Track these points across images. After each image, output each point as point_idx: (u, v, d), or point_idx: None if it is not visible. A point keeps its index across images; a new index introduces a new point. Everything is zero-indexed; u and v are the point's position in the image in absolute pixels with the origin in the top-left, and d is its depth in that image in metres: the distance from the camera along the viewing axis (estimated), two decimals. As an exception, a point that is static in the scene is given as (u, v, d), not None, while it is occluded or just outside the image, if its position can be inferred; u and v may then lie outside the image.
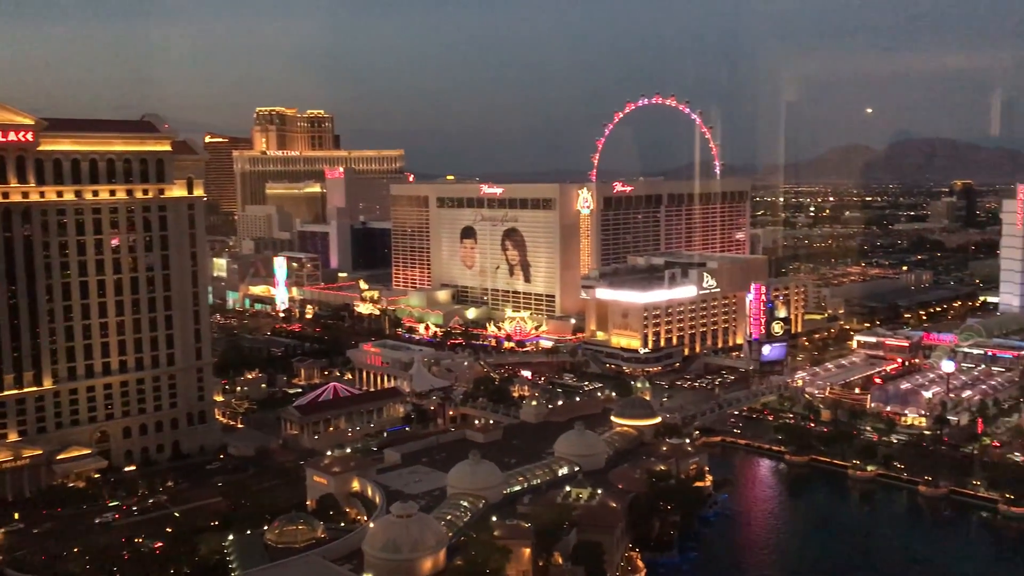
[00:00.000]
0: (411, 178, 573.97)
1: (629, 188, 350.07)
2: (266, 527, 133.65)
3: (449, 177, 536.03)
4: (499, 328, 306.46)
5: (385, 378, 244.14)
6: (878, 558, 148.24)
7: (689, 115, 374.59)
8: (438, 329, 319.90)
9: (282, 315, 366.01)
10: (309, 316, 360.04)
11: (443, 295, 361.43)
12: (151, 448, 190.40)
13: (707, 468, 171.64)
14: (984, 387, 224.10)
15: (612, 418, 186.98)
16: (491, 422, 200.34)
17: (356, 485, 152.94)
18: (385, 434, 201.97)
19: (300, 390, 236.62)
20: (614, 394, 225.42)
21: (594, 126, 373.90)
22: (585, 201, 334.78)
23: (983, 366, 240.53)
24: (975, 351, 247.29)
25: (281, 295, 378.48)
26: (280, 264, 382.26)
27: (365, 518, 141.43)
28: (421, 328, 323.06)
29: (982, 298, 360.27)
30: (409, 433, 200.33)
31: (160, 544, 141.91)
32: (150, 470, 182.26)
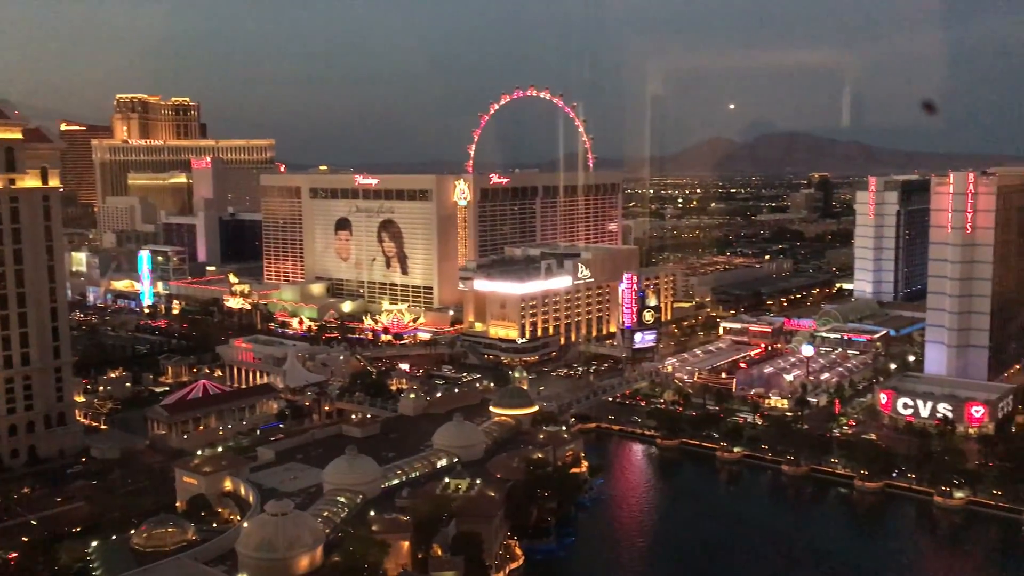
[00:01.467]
0: (283, 168, 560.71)
1: (505, 180, 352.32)
2: (132, 531, 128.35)
3: (322, 168, 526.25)
4: (376, 321, 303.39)
5: (257, 374, 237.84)
6: (746, 536, 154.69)
7: (563, 108, 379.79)
8: (312, 323, 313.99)
9: (147, 311, 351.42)
10: (176, 312, 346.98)
11: (317, 288, 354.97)
12: (4, 454, 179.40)
13: (583, 454, 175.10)
14: (841, 370, 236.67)
15: (491, 408, 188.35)
16: (368, 416, 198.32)
17: (228, 485, 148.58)
18: (258, 432, 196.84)
19: (167, 389, 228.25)
20: (492, 384, 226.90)
21: (471, 117, 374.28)
22: (462, 192, 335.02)
23: (839, 350, 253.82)
24: (832, 335, 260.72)
25: (146, 290, 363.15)
26: (144, 258, 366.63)
27: (238, 518, 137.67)
28: (295, 322, 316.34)
29: (838, 285, 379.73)
30: (283, 430, 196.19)
31: (15, 555, 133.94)
32: (3, 477, 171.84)
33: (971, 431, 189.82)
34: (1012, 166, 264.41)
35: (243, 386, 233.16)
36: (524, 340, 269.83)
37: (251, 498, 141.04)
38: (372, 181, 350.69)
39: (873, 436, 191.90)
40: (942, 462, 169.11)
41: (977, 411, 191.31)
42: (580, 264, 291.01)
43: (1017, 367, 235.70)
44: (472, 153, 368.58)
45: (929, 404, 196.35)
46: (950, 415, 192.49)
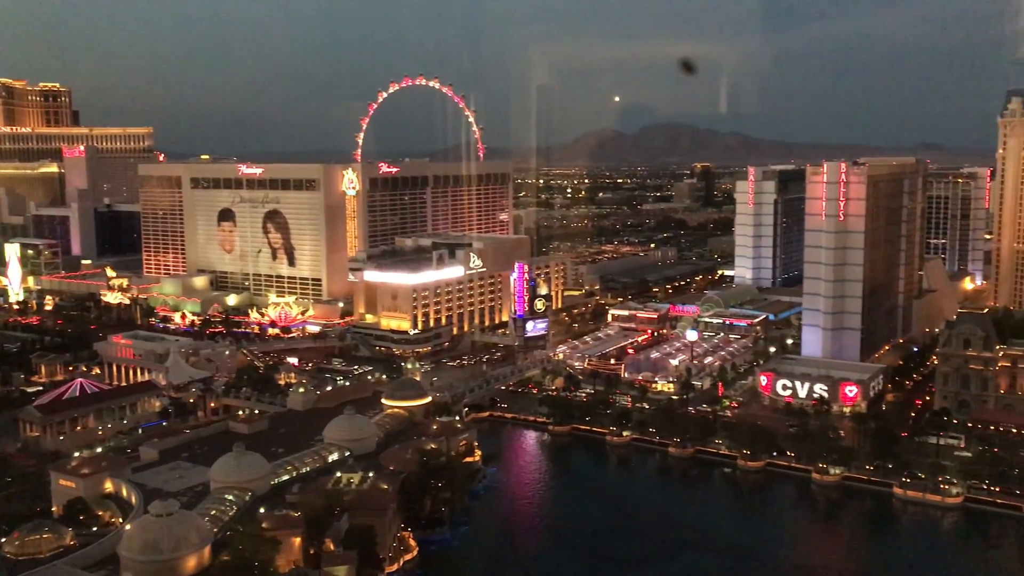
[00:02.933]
0: (162, 158, 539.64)
1: (395, 169, 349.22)
2: (4, 539, 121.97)
3: (204, 157, 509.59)
4: (263, 314, 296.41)
5: (138, 371, 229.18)
6: (635, 517, 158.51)
7: (452, 98, 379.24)
8: (196, 317, 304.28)
9: (16, 307, 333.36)
10: (49, 308, 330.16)
11: (200, 281, 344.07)
12: None
13: (476, 443, 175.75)
14: (723, 353, 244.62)
15: (383, 401, 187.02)
16: (256, 412, 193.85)
17: (109, 486, 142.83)
18: (140, 431, 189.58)
19: (40, 388, 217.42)
20: (384, 377, 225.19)
21: (359, 106, 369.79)
22: (351, 182, 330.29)
23: (722, 334, 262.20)
24: (715, 320, 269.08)
25: (15, 286, 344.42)
26: (12, 252, 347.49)
27: (120, 520, 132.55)
28: (177, 317, 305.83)
29: (720, 272, 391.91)
30: (167, 428, 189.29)
31: None
32: None
33: (845, 410, 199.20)
34: (881, 156, 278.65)
35: (123, 384, 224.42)
36: (416, 331, 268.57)
37: (134, 499, 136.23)
38: (257, 170, 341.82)
39: (754, 417, 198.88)
40: (819, 440, 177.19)
41: (850, 391, 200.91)
42: (472, 254, 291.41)
43: (887, 348, 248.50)
44: (360, 142, 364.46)
45: (806, 385, 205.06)
46: (826, 395, 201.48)
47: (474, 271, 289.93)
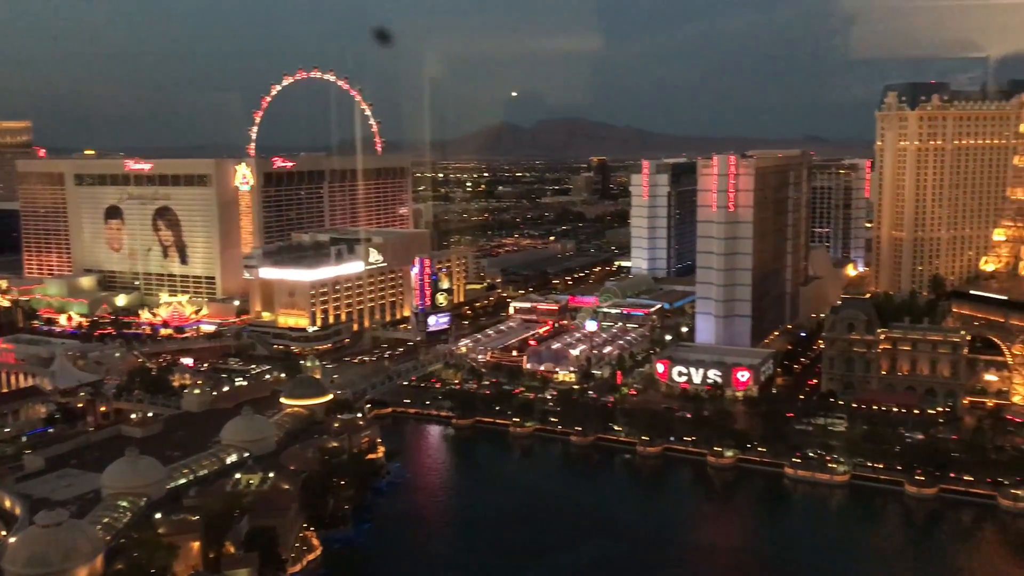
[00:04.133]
0: (42, 153, 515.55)
1: (291, 163, 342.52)
2: None
3: (89, 152, 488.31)
4: (154, 315, 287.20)
5: (21, 377, 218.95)
6: (539, 506, 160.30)
7: (349, 91, 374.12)
8: (83, 319, 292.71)
9: None
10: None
11: (87, 282, 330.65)
12: None
13: (379, 440, 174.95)
14: (621, 342, 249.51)
15: (282, 399, 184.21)
16: (150, 415, 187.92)
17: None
18: (24, 438, 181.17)
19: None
20: (283, 375, 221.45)
21: (252, 99, 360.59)
22: (244, 177, 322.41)
23: (620, 324, 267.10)
24: (613, 311, 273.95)
25: None
26: None
27: (4, 533, 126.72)
28: (63, 319, 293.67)
29: (618, 263, 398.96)
30: (53, 435, 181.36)
31: None
32: None
33: (738, 394, 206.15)
34: (768, 148, 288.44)
35: (4, 390, 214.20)
36: (315, 328, 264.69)
37: (18, 510, 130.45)
38: (145, 166, 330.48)
39: (652, 403, 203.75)
40: (713, 424, 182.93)
41: (743, 375, 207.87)
42: (371, 249, 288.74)
43: (776, 333, 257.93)
44: (254, 136, 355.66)
45: (701, 371, 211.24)
46: (719, 380, 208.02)
47: (374, 266, 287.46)
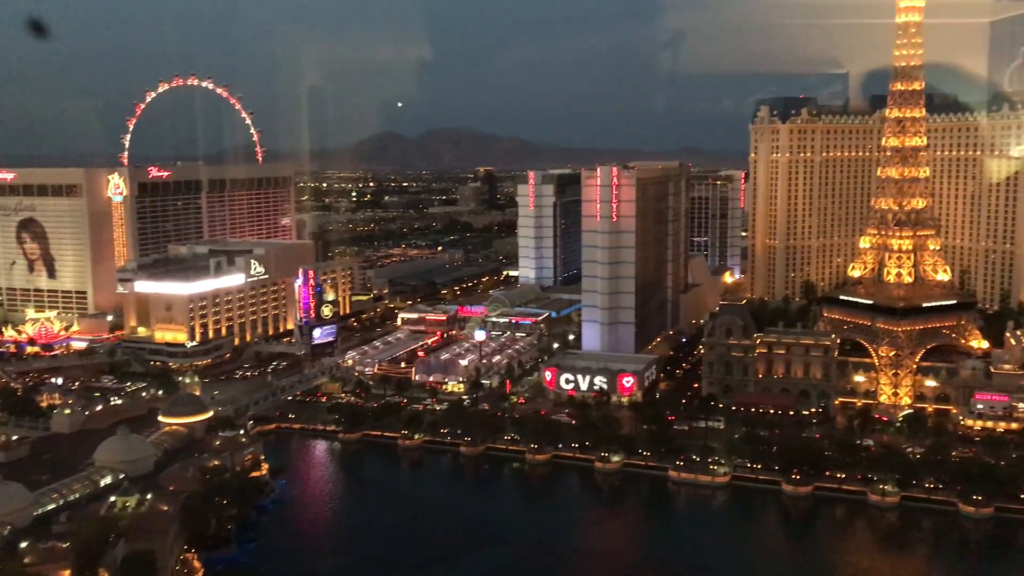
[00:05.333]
0: None
1: (166, 173, 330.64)
2: None
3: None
4: (19, 332, 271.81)
5: None
6: (429, 519, 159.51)
7: (228, 98, 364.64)
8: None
9: None
10: None
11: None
12: None
13: (263, 457, 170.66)
14: (510, 351, 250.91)
15: (160, 418, 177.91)
16: (15, 438, 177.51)
17: None
18: None
19: None
20: (161, 392, 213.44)
21: (125, 106, 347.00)
22: (116, 187, 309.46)
23: (508, 333, 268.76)
24: (501, 320, 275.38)
25: None
26: None
27: None
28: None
29: (505, 272, 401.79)
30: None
31: None
32: None
33: (623, 400, 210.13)
34: (648, 160, 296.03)
35: None
36: (194, 343, 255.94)
37: None
38: (8, 175, 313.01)
39: (542, 411, 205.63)
40: (600, 430, 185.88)
41: (627, 381, 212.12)
42: (253, 260, 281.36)
43: (658, 339, 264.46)
44: (127, 144, 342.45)
45: (587, 378, 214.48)
46: (605, 387, 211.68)
47: (256, 278, 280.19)
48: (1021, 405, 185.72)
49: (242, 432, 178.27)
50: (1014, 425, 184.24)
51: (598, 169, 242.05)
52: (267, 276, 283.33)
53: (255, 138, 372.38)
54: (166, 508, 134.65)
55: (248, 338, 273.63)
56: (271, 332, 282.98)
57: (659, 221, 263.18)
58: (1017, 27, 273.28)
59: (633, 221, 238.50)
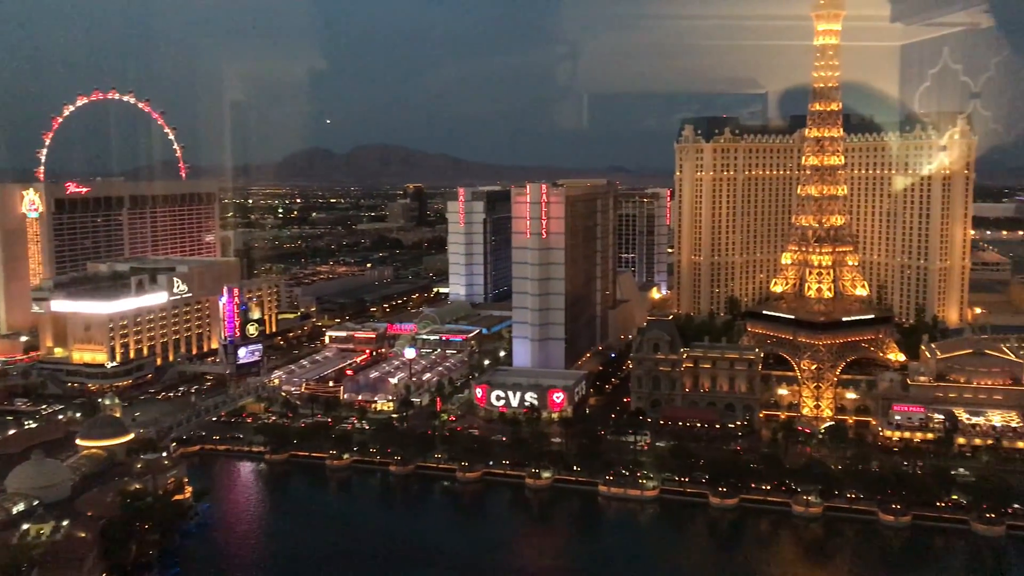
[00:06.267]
0: None
1: (85, 189, 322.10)
2: None
3: None
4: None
5: None
6: (358, 540, 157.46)
7: (150, 113, 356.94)
8: None
9: None
10: None
11: None
12: None
13: (186, 479, 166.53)
14: (441, 369, 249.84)
15: (78, 441, 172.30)
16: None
17: None
18: None
19: None
20: (79, 415, 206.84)
21: (42, 120, 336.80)
22: (32, 203, 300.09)
23: (439, 350, 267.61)
24: (432, 337, 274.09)
25: None
26: None
27: None
28: None
29: (436, 289, 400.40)
30: None
31: None
32: None
33: (554, 416, 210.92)
34: (576, 178, 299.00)
35: None
36: (115, 363, 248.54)
37: None
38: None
39: (473, 430, 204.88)
40: (531, 446, 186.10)
41: (558, 397, 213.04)
42: (176, 279, 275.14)
43: (588, 355, 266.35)
44: (43, 159, 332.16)
45: (518, 394, 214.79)
46: (536, 403, 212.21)
47: (179, 297, 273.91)
48: (936, 416, 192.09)
49: (164, 454, 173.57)
50: (930, 435, 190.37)
51: (528, 186, 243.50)
52: (191, 294, 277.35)
53: (178, 153, 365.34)
54: (83, 535, 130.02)
55: (171, 358, 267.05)
56: (195, 351, 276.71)
57: (588, 238, 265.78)
58: (926, 51, 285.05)
59: (562, 238, 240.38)
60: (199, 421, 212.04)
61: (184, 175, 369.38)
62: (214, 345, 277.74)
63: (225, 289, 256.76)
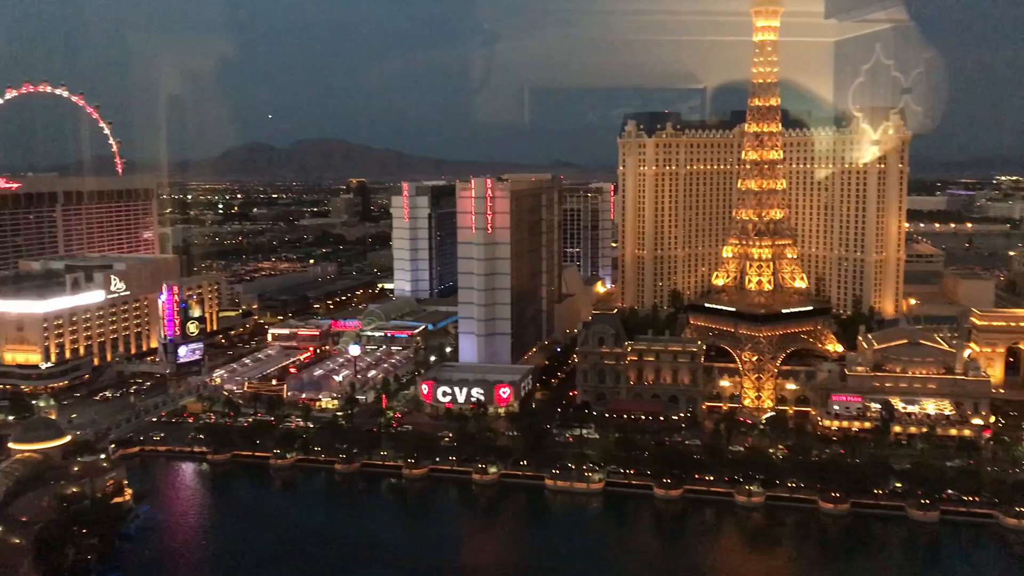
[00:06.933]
0: None
1: (16, 185, 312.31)
2: None
3: None
4: None
5: None
6: (303, 540, 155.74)
7: (84, 107, 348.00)
8: None
9: None
10: None
11: None
12: None
13: (126, 482, 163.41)
14: (386, 366, 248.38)
15: (10, 445, 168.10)
16: None
17: None
18: None
19: None
20: (11, 418, 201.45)
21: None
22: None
23: (384, 347, 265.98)
24: (377, 334, 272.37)
25: None
26: None
27: None
28: None
29: (380, 285, 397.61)
30: None
31: None
32: None
33: (500, 411, 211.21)
34: (521, 172, 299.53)
35: None
36: (50, 364, 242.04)
37: None
38: None
39: (426, 427, 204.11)
40: (477, 442, 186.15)
41: (504, 392, 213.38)
42: (113, 277, 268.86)
43: (534, 349, 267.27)
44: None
45: (464, 390, 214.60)
46: (483, 398, 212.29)
47: (116, 295, 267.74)
48: (874, 405, 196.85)
49: (103, 456, 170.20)
50: (867, 424, 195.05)
51: (472, 181, 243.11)
52: (128, 292, 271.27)
53: (114, 149, 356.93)
54: (18, 541, 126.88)
55: (109, 358, 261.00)
56: (133, 351, 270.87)
57: (533, 233, 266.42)
58: (859, 47, 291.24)
59: (508, 233, 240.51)
60: (139, 422, 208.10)
61: (121, 171, 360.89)
62: (154, 344, 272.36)
63: (164, 287, 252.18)
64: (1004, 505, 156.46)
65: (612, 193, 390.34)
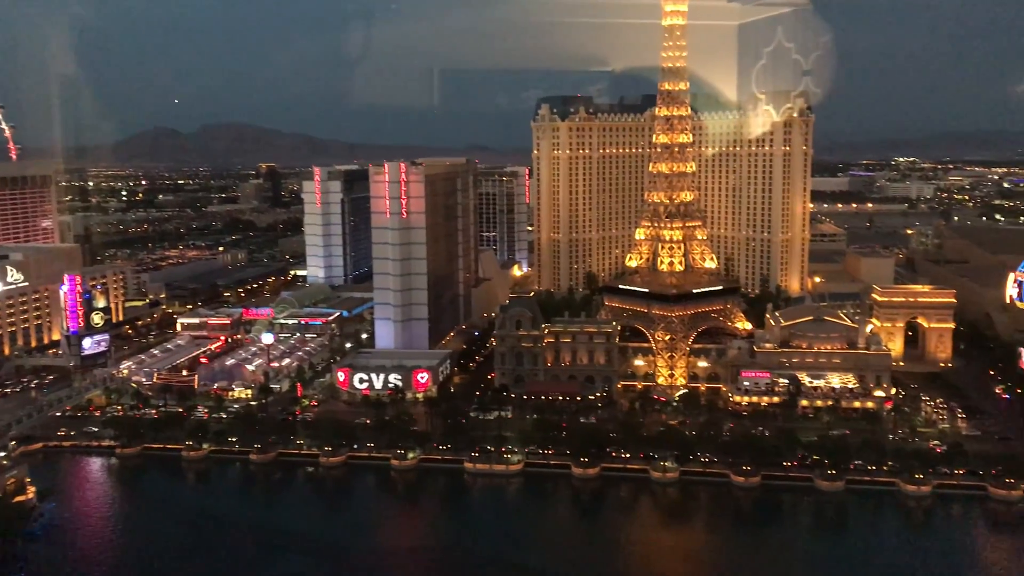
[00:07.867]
0: None
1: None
2: None
3: None
4: None
5: None
6: (218, 532, 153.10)
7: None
8: None
9: None
10: None
11: None
12: None
13: (28, 479, 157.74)
14: (300, 353, 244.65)
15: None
16: None
17: None
18: None
19: None
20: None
21: None
22: None
23: (298, 334, 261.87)
24: (290, 321, 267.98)
25: None
26: None
27: None
28: None
29: (293, 272, 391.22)
30: None
31: None
32: None
33: (419, 396, 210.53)
34: (436, 156, 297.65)
35: None
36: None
37: None
38: None
39: (337, 412, 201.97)
40: (395, 428, 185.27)
41: (422, 377, 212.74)
42: (10, 267, 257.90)
43: (452, 334, 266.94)
44: None
45: (382, 376, 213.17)
46: (400, 384, 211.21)
47: (14, 286, 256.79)
48: (781, 380, 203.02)
49: (3, 454, 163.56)
50: (776, 399, 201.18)
51: (386, 165, 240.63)
52: (27, 283, 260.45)
53: (7, 134, 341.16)
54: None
55: (7, 351, 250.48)
56: (34, 344, 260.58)
57: (449, 217, 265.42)
58: (761, 31, 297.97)
59: (423, 217, 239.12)
60: (41, 417, 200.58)
61: (15, 156, 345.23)
62: (56, 336, 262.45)
63: (66, 277, 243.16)
64: (905, 473, 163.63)
65: (527, 177, 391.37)
